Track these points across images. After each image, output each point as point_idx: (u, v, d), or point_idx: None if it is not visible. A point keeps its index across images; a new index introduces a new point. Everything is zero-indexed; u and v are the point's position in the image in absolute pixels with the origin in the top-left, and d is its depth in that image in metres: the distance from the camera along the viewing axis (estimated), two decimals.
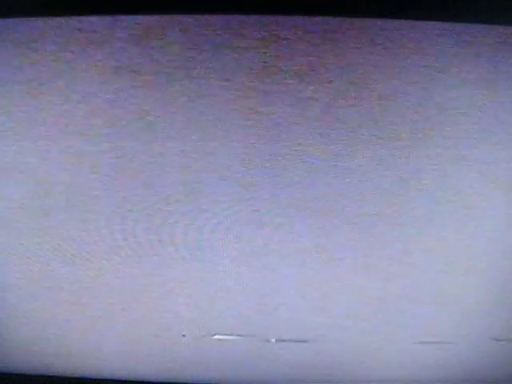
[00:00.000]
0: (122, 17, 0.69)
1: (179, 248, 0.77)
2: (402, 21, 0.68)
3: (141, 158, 0.74)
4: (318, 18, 0.68)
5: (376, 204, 0.74)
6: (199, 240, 0.77)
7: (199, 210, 0.76)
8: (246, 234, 0.76)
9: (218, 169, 0.74)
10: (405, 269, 0.77)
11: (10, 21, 0.70)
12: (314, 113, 0.71)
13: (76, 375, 0.84)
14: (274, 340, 0.81)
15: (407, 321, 0.80)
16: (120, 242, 0.78)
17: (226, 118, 0.72)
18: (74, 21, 0.69)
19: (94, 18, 0.69)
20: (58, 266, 0.79)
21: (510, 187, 0.74)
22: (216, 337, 0.81)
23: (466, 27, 0.68)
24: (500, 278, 0.77)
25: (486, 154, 0.73)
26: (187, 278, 0.79)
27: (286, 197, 0.75)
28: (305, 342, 0.81)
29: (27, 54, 0.71)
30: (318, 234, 0.76)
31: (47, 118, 0.73)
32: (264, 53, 0.69)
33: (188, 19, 0.69)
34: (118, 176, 0.75)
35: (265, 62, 0.70)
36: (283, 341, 0.81)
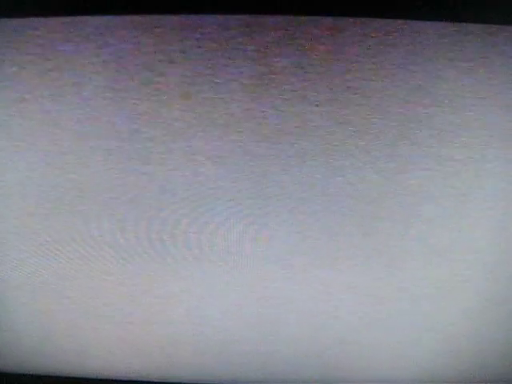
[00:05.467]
0: (122, 17, 0.69)
1: (180, 250, 0.78)
2: (402, 21, 0.68)
3: (142, 159, 0.74)
4: (317, 18, 0.68)
5: (376, 206, 0.75)
6: (200, 243, 0.77)
7: (201, 213, 0.76)
8: (248, 235, 0.77)
9: (220, 172, 0.74)
10: (405, 270, 0.77)
11: (11, 21, 0.70)
12: (314, 113, 0.71)
13: (76, 375, 0.84)
14: (273, 340, 0.81)
15: (407, 321, 0.80)
16: (121, 243, 0.78)
17: (228, 118, 0.72)
18: (75, 21, 0.70)
19: (94, 18, 0.69)
20: (58, 266, 0.79)
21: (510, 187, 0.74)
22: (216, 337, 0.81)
23: (466, 27, 0.68)
24: (500, 278, 0.77)
25: (486, 154, 0.73)
26: (188, 278, 0.79)
27: (286, 200, 0.75)
28: (305, 342, 0.81)
29: (27, 52, 0.71)
30: (319, 235, 0.76)
31: (48, 117, 0.73)
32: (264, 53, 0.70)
33: (189, 19, 0.69)
34: (119, 177, 0.75)
35: (264, 63, 0.70)
36: (283, 341, 0.81)
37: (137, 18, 0.69)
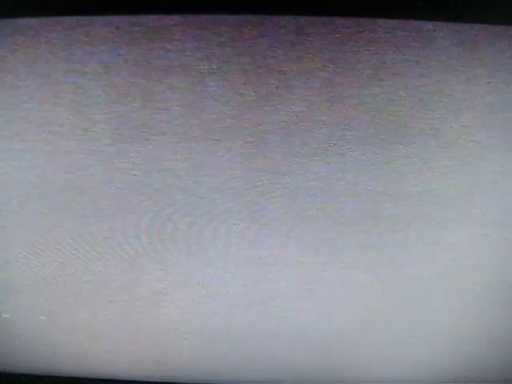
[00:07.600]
0: (124, 17, 0.69)
1: (181, 250, 0.78)
2: (403, 21, 0.69)
3: (142, 159, 0.74)
4: (318, 18, 0.68)
5: (376, 205, 0.75)
6: (199, 241, 0.77)
7: (201, 213, 0.76)
8: (247, 236, 0.77)
9: (219, 172, 0.74)
10: (405, 270, 0.77)
11: (11, 21, 0.70)
12: (314, 114, 0.72)
13: (76, 375, 0.84)
14: (273, 340, 0.81)
15: (407, 321, 0.80)
16: (120, 242, 0.78)
17: (229, 119, 0.72)
18: (75, 21, 0.70)
19: (94, 19, 0.69)
20: (58, 266, 0.79)
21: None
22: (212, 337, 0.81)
23: (467, 27, 0.68)
24: (500, 278, 0.77)
25: (486, 153, 0.73)
26: (188, 278, 0.79)
27: (285, 200, 0.75)
28: (305, 342, 0.81)
29: (27, 53, 0.71)
30: (319, 235, 0.76)
31: (47, 118, 0.73)
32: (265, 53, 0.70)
33: (189, 19, 0.69)
34: (119, 177, 0.75)
35: (265, 63, 0.70)
36: (283, 341, 0.81)
37: (138, 19, 0.69)
